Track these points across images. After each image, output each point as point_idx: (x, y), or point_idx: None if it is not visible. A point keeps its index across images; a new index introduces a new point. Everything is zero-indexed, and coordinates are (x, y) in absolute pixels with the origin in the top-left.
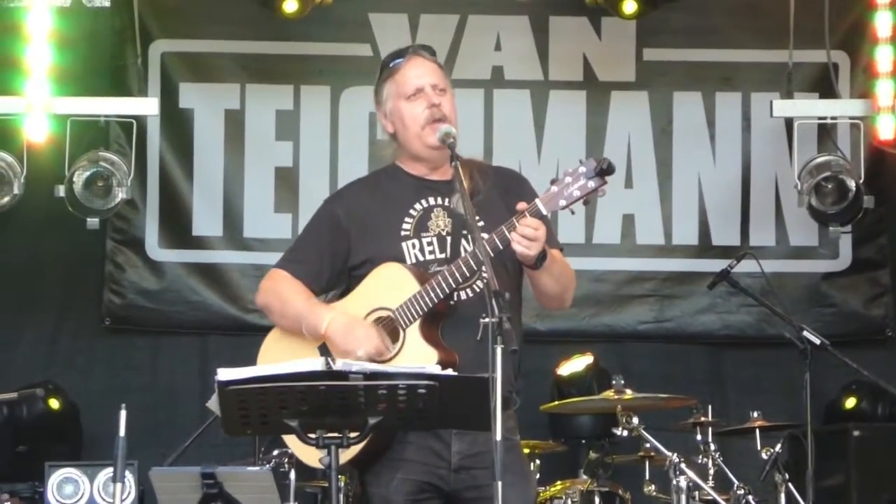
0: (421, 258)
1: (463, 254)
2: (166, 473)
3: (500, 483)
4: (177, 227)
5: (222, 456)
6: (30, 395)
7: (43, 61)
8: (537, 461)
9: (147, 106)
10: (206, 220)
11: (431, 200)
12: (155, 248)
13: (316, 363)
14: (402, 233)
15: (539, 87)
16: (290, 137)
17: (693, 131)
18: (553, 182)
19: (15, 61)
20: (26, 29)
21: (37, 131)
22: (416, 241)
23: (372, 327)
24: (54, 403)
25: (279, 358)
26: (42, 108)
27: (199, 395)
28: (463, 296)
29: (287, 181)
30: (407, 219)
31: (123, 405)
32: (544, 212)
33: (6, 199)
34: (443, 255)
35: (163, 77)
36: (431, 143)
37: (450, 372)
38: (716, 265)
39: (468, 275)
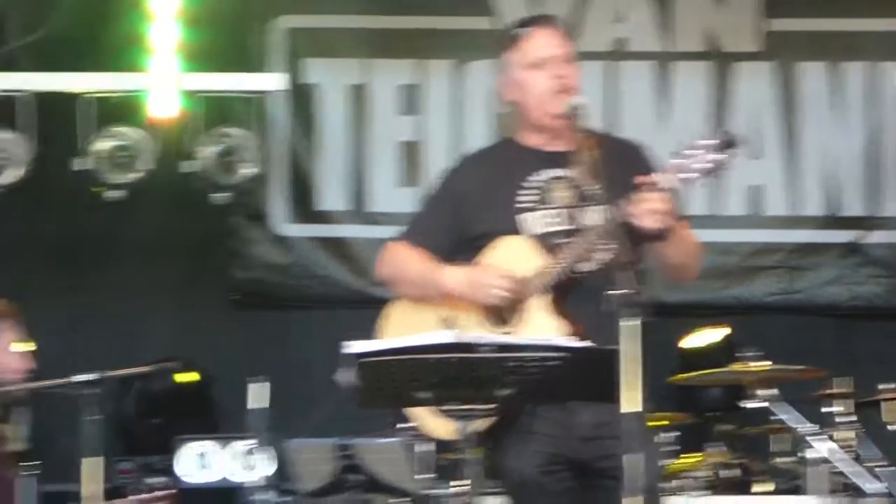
0: (542, 230)
1: (585, 225)
2: (303, 445)
3: (634, 455)
4: (303, 201)
5: (353, 429)
6: (163, 368)
7: (170, 38)
8: (668, 433)
9: (273, 81)
10: (332, 194)
11: (551, 172)
12: (281, 222)
13: (447, 335)
14: (522, 205)
15: (662, 58)
16: (413, 112)
17: (819, 101)
18: (677, 155)
19: (142, 38)
20: (150, 6)
21: (164, 108)
22: (536, 214)
23: (494, 269)
24: (186, 377)
25: (400, 330)
26: (169, 85)
27: (328, 369)
28: (587, 268)
29: (411, 155)
30: (526, 191)
31: (263, 377)
32: (669, 185)
33: (134, 175)
34: (564, 227)
35: (288, 53)
36: (555, 113)
37: (581, 343)
38: (843, 236)
39: (593, 247)
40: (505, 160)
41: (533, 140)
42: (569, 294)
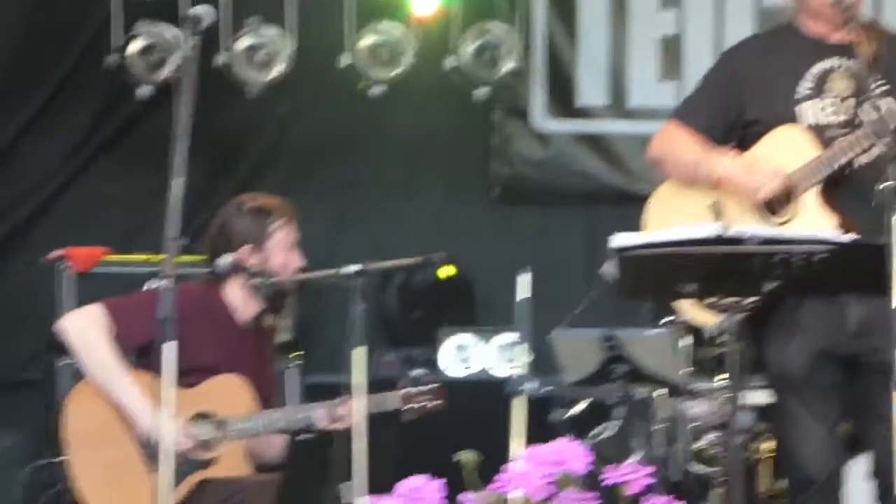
0: (819, 121)
1: (861, 119)
2: (568, 336)
3: None
4: (562, 97)
5: (612, 323)
6: (427, 260)
7: None
8: None
9: None
10: (592, 89)
11: (831, 62)
12: (541, 118)
13: (711, 228)
14: (800, 94)
15: None
16: (674, 6)
17: None
18: None
19: None
20: None
21: (425, 3)
22: (814, 103)
23: (768, 163)
24: (446, 272)
25: (668, 215)
26: None
27: (586, 265)
28: (860, 162)
29: (671, 50)
30: (805, 80)
31: (526, 268)
32: None
33: (396, 71)
34: (842, 119)
35: None
36: (831, 2)
37: (849, 237)
38: None
39: (871, 142)
40: (786, 47)
41: (815, 29)
42: (841, 187)
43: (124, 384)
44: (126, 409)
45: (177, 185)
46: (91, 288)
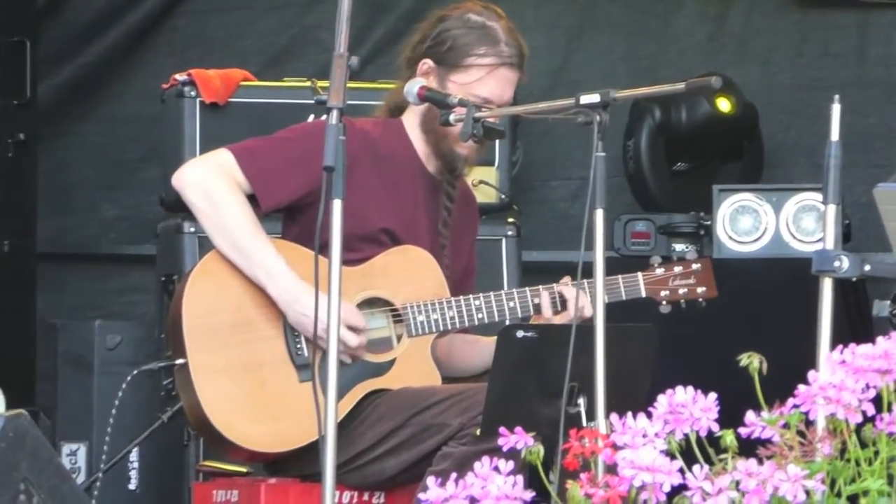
0: None
1: None
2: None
3: None
4: None
5: None
6: (699, 86)
7: None
8: None
9: None
10: None
11: None
12: None
13: None
14: None
15: None
16: None
17: None
18: None
19: None
20: None
21: None
22: None
23: None
24: (723, 104)
25: None
26: None
27: None
28: None
29: None
30: None
31: (837, 97)
32: None
33: None
34: None
35: None
36: None
37: None
38: None
39: None
40: None
41: None
42: None
43: (266, 256)
44: (269, 292)
45: None
46: (225, 125)
